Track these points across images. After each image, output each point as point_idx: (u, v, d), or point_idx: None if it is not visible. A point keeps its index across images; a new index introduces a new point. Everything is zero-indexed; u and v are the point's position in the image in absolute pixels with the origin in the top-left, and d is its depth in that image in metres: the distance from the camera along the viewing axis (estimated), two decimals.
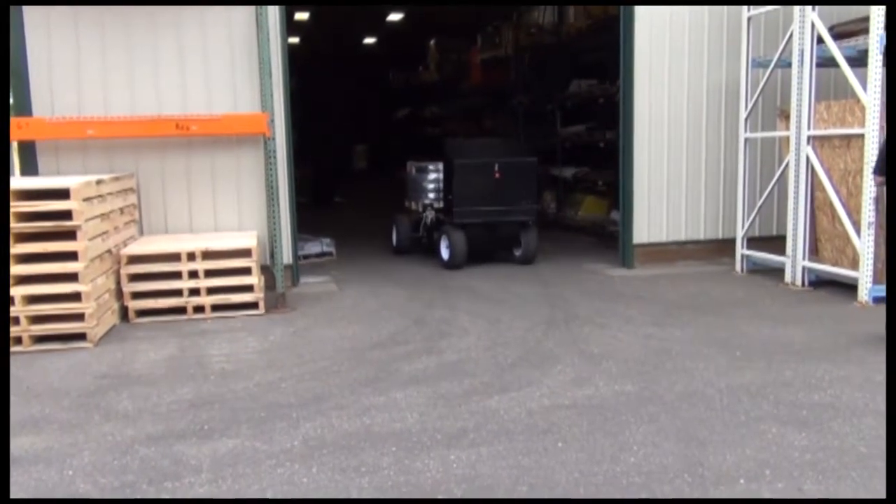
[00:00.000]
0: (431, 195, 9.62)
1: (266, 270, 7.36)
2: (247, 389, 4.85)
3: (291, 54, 7.96)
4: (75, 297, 5.88)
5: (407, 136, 25.50)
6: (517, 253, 9.11)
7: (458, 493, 3.42)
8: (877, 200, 6.67)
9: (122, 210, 6.96)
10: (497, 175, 8.64)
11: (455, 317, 6.65)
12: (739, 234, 8.46)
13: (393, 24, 20.50)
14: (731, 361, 5.22)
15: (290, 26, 8.26)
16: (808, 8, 7.25)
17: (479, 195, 8.66)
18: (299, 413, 4.41)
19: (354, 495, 3.43)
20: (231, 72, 7.57)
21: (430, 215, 9.55)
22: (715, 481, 3.48)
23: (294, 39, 20.24)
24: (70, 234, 5.90)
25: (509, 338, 5.92)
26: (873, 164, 6.51)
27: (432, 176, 9.64)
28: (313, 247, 9.72)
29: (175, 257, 6.70)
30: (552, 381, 4.87)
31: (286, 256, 7.70)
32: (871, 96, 6.60)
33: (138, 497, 3.47)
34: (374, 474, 3.62)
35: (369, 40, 24.44)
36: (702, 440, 3.93)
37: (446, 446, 3.91)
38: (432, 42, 21.49)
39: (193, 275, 6.70)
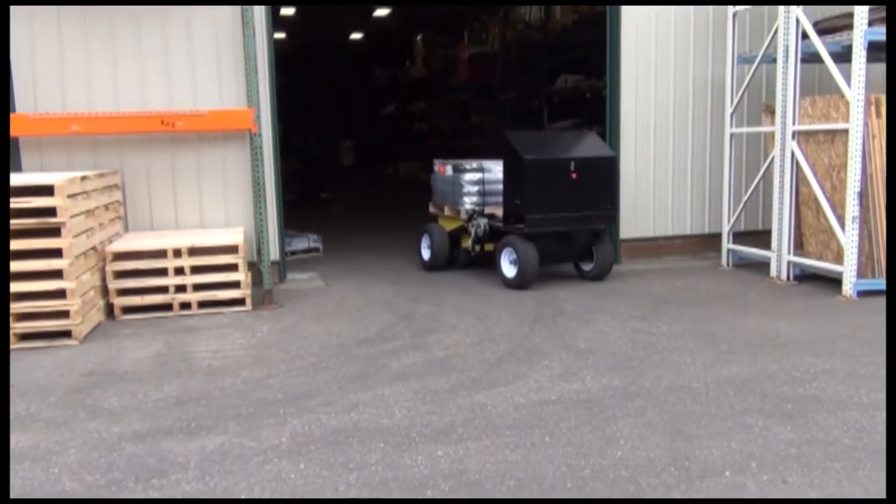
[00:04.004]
0: (475, 199, 8.18)
1: (253, 267, 7.33)
2: (234, 386, 4.84)
3: (277, 50, 7.92)
4: (60, 294, 5.83)
5: (394, 132, 25.50)
6: (587, 268, 7.83)
7: (445, 489, 3.43)
8: (861, 195, 6.72)
9: (106, 207, 6.91)
10: (574, 175, 7.31)
11: (442, 312, 6.65)
12: (725, 228, 8.51)
13: (379, 19, 20.46)
14: (717, 355, 5.25)
15: (276, 22, 8.23)
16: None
17: (554, 199, 7.28)
18: (287, 409, 4.41)
19: (342, 491, 3.43)
20: (217, 67, 7.53)
21: (481, 224, 7.98)
22: (701, 474, 3.51)
23: (280, 35, 20.16)
24: (54, 231, 5.85)
25: (496, 333, 5.93)
26: (860, 160, 6.57)
27: (476, 176, 8.22)
28: (300, 243, 9.69)
29: (161, 254, 6.66)
30: (539, 376, 4.88)
31: (273, 253, 7.67)
32: (856, 92, 6.64)
33: (125, 496, 3.45)
34: (362, 470, 3.62)
35: (356, 36, 24.38)
36: (688, 433, 3.95)
37: (434, 441, 3.92)
38: (419, 38, 21.48)
39: (180, 271, 6.66)
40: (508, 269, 7.52)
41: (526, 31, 14.84)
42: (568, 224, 7.40)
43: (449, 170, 8.52)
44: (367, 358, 5.38)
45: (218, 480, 3.55)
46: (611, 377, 4.84)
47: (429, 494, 3.39)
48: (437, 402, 4.48)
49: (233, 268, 6.79)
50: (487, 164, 8.33)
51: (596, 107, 10.79)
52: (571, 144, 7.81)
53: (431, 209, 8.91)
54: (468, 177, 8.22)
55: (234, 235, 7.01)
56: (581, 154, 7.48)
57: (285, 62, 11.91)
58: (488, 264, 8.07)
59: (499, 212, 7.88)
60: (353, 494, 3.41)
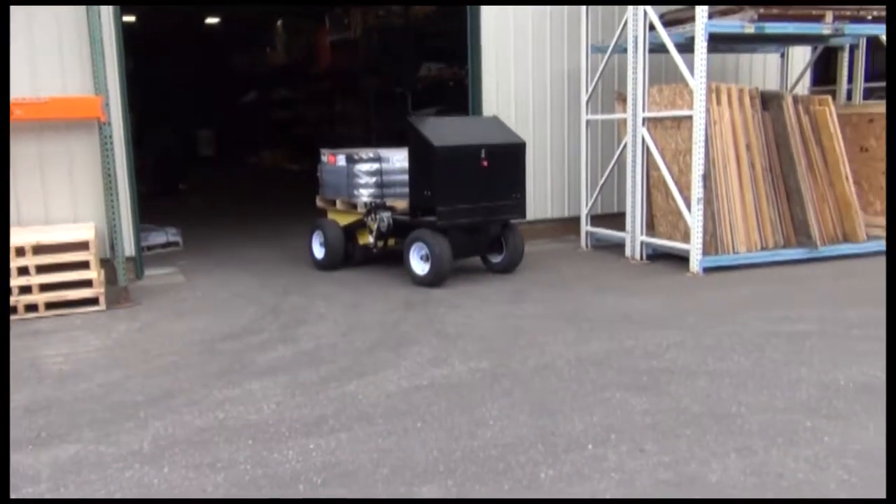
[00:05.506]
0: (373, 191, 7.66)
1: (106, 264, 6.95)
2: (88, 390, 4.57)
3: (128, 34, 7.50)
4: None
5: (256, 121, 24.82)
6: (497, 260, 7.51)
7: (317, 482, 3.39)
8: (704, 178, 7.18)
9: None
10: (484, 163, 6.93)
11: (311, 303, 6.57)
12: (584, 212, 8.87)
13: (236, 4, 19.75)
14: (578, 334, 5.48)
15: (125, 4, 7.78)
16: None
17: (466, 189, 6.88)
18: (147, 412, 4.21)
19: (210, 492, 3.33)
20: (59, 52, 7.03)
21: (384, 217, 7.36)
22: (566, 448, 3.65)
23: (130, 18, 19.08)
24: None
25: (366, 322, 5.92)
26: (703, 145, 7.01)
27: (372, 167, 7.65)
28: (158, 237, 9.27)
29: None
30: (410, 363, 4.92)
31: (128, 248, 7.30)
32: (698, 80, 7.07)
33: None
34: (230, 469, 3.52)
35: (212, 20, 23.45)
36: (553, 410, 4.10)
37: (305, 435, 3.87)
38: (279, 23, 20.98)
39: (24, 271, 6.22)
40: (419, 266, 7.04)
41: (388, 17, 14.82)
42: (482, 215, 7.03)
43: (341, 160, 7.85)
44: (233, 353, 5.23)
45: (73, 491, 3.35)
46: (479, 360, 4.94)
47: (301, 489, 3.34)
48: (307, 394, 4.42)
49: (83, 265, 6.40)
50: (385, 153, 7.86)
51: (459, 94, 10.93)
52: (479, 131, 7.43)
53: (319, 203, 8.33)
54: (364, 167, 7.65)
55: (84, 231, 6.62)
56: (490, 141, 7.09)
57: (136, 47, 11.31)
58: (387, 260, 7.83)
59: (400, 204, 7.52)
60: (220, 495, 3.31)
